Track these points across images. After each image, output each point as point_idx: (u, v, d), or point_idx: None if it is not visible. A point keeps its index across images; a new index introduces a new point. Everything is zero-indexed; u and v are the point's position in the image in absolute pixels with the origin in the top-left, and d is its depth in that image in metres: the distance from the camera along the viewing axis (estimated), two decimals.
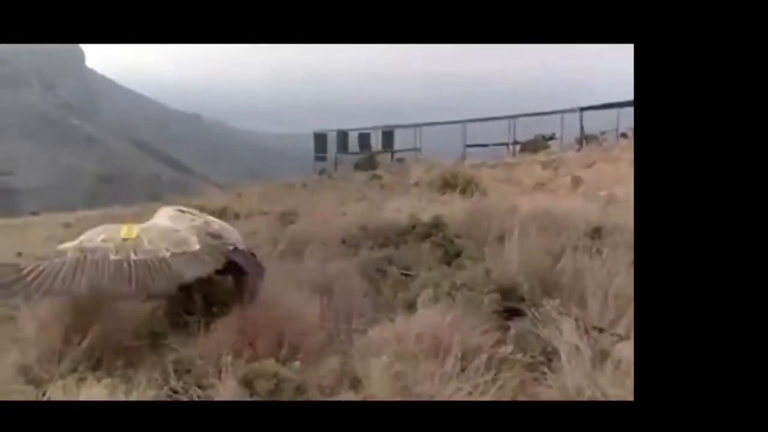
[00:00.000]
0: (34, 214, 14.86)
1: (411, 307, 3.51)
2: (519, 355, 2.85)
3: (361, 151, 23.52)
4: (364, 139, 24.71)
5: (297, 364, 2.87)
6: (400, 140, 24.28)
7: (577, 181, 10.25)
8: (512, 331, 3.09)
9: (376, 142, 24.48)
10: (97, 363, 3.11)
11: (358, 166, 19.84)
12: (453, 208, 6.33)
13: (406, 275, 4.26)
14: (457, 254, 4.68)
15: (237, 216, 8.44)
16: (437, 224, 5.25)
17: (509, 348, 2.87)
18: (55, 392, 2.82)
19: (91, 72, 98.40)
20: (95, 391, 2.78)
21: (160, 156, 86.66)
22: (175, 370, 2.94)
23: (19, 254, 6.44)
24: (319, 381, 2.82)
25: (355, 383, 2.78)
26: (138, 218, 3.75)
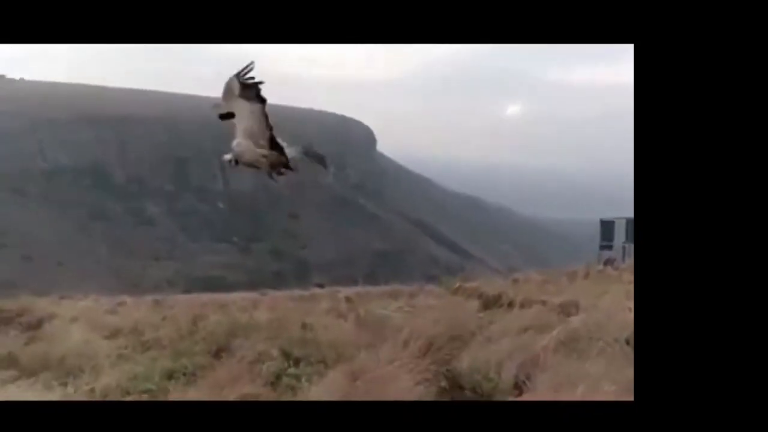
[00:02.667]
0: (320, 286, 16.47)
1: None
2: None
3: None
4: None
5: None
6: None
7: None
8: None
9: None
10: None
11: None
12: None
13: None
14: None
15: (511, 304, 8.32)
16: None
17: None
18: None
19: (380, 155, 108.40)
20: None
21: (438, 237, 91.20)
22: None
23: (304, 325, 7.08)
24: None
25: None
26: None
